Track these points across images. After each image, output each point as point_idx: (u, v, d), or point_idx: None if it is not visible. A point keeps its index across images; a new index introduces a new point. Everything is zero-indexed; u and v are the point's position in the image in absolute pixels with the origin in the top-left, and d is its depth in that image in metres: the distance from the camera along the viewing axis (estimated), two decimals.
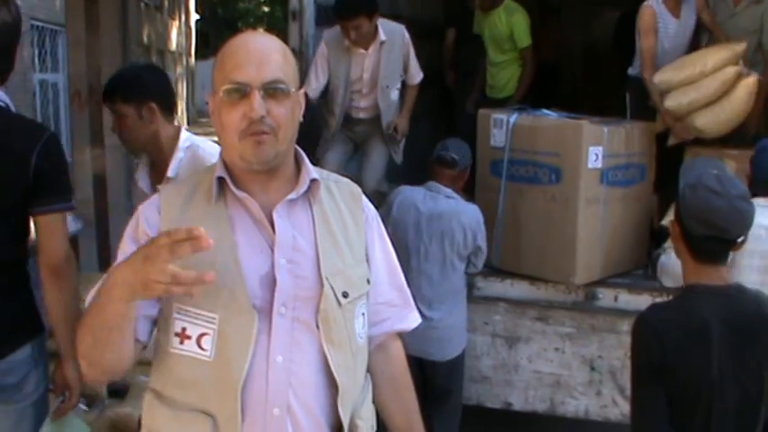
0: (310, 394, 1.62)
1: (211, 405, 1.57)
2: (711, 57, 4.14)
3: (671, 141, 4.33)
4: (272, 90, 1.56)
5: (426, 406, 3.57)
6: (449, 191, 3.76)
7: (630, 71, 4.85)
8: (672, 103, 4.10)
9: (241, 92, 1.55)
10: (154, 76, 2.89)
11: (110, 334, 1.52)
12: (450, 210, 3.70)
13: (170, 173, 2.72)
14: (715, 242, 2.04)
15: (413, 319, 1.89)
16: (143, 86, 2.79)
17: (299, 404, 1.60)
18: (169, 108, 2.84)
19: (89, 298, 1.61)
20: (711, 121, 4.09)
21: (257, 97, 1.54)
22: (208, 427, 1.56)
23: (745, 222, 2.04)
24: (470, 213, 3.75)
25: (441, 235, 3.66)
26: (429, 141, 4.91)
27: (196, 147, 2.77)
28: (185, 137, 2.80)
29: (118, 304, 1.46)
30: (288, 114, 1.59)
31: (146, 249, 1.39)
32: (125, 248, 1.64)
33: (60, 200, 2.40)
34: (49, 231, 2.38)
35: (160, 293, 1.40)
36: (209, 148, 2.76)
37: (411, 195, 3.77)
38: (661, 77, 4.16)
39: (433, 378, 3.70)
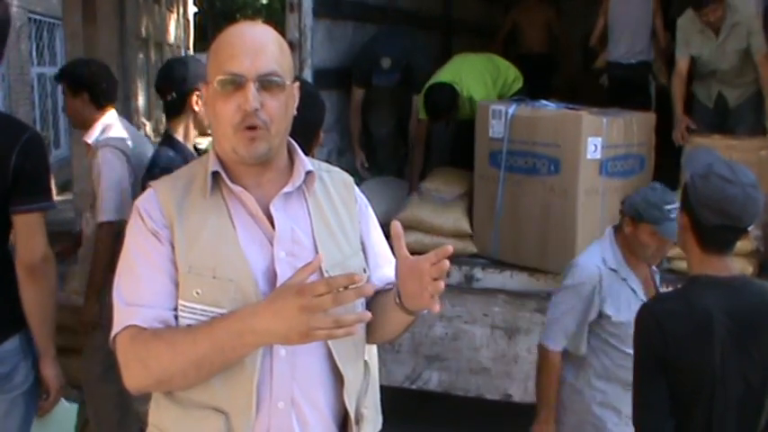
0: (314, 386, 1.61)
1: (223, 401, 1.55)
2: None
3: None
4: (267, 83, 1.54)
5: None
6: None
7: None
8: None
9: (236, 83, 1.53)
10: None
11: (217, 369, 1.52)
12: None
13: None
14: (727, 231, 2.02)
15: None
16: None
17: (303, 397, 1.60)
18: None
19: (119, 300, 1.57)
20: None
21: (252, 89, 1.52)
22: (220, 424, 1.55)
23: (757, 210, 2.02)
24: None
25: None
26: None
27: None
28: None
29: (248, 349, 1.49)
30: (281, 108, 1.57)
31: (299, 300, 1.38)
32: (139, 244, 1.59)
33: (39, 199, 2.40)
34: (27, 230, 2.39)
35: (320, 339, 1.44)
36: None
37: None
38: None
39: None
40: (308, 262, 1.49)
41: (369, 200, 1.84)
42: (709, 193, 2.01)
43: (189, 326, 1.53)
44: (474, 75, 4.87)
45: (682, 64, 4.85)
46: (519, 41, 7.53)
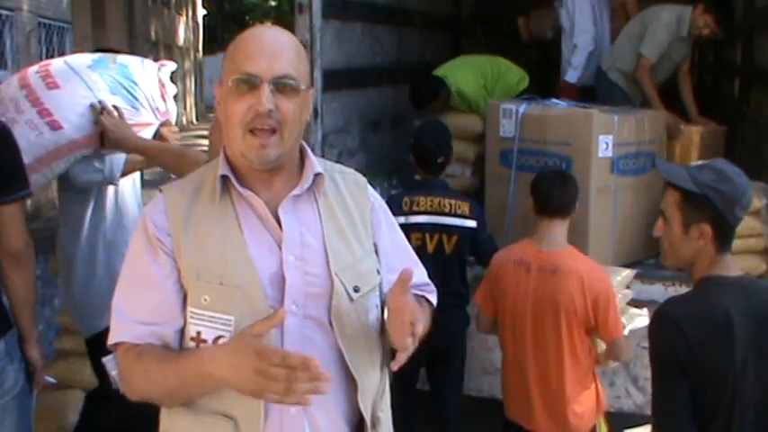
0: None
1: (232, 407, 1.56)
2: None
3: None
4: (281, 85, 1.53)
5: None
6: None
7: None
8: None
9: (250, 83, 1.52)
10: None
11: (192, 397, 1.58)
12: None
13: None
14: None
15: (433, 298, 1.88)
16: None
17: (315, 402, 1.56)
18: None
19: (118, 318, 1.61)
20: None
21: (266, 90, 1.51)
22: (230, 430, 1.56)
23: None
24: None
25: None
26: None
27: None
28: None
29: (210, 389, 1.54)
30: (296, 111, 1.57)
31: (256, 362, 1.39)
32: (138, 254, 1.62)
33: (21, 188, 2.43)
34: (10, 220, 2.41)
35: (272, 402, 1.45)
36: None
37: None
38: None
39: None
40: (272, 313, 1.50)
41: None
42: (740, 191, 1.98)
43: (164, 356, 1.56)
44: (467, 70, 4.94)
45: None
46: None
